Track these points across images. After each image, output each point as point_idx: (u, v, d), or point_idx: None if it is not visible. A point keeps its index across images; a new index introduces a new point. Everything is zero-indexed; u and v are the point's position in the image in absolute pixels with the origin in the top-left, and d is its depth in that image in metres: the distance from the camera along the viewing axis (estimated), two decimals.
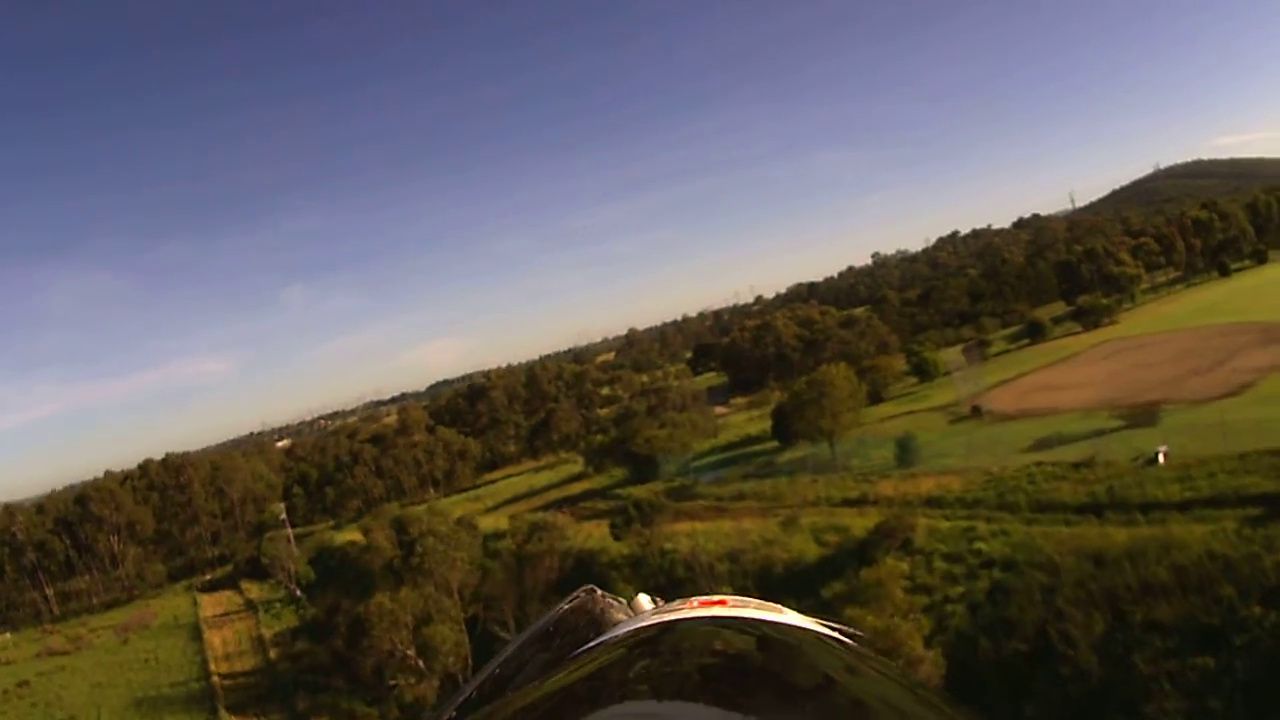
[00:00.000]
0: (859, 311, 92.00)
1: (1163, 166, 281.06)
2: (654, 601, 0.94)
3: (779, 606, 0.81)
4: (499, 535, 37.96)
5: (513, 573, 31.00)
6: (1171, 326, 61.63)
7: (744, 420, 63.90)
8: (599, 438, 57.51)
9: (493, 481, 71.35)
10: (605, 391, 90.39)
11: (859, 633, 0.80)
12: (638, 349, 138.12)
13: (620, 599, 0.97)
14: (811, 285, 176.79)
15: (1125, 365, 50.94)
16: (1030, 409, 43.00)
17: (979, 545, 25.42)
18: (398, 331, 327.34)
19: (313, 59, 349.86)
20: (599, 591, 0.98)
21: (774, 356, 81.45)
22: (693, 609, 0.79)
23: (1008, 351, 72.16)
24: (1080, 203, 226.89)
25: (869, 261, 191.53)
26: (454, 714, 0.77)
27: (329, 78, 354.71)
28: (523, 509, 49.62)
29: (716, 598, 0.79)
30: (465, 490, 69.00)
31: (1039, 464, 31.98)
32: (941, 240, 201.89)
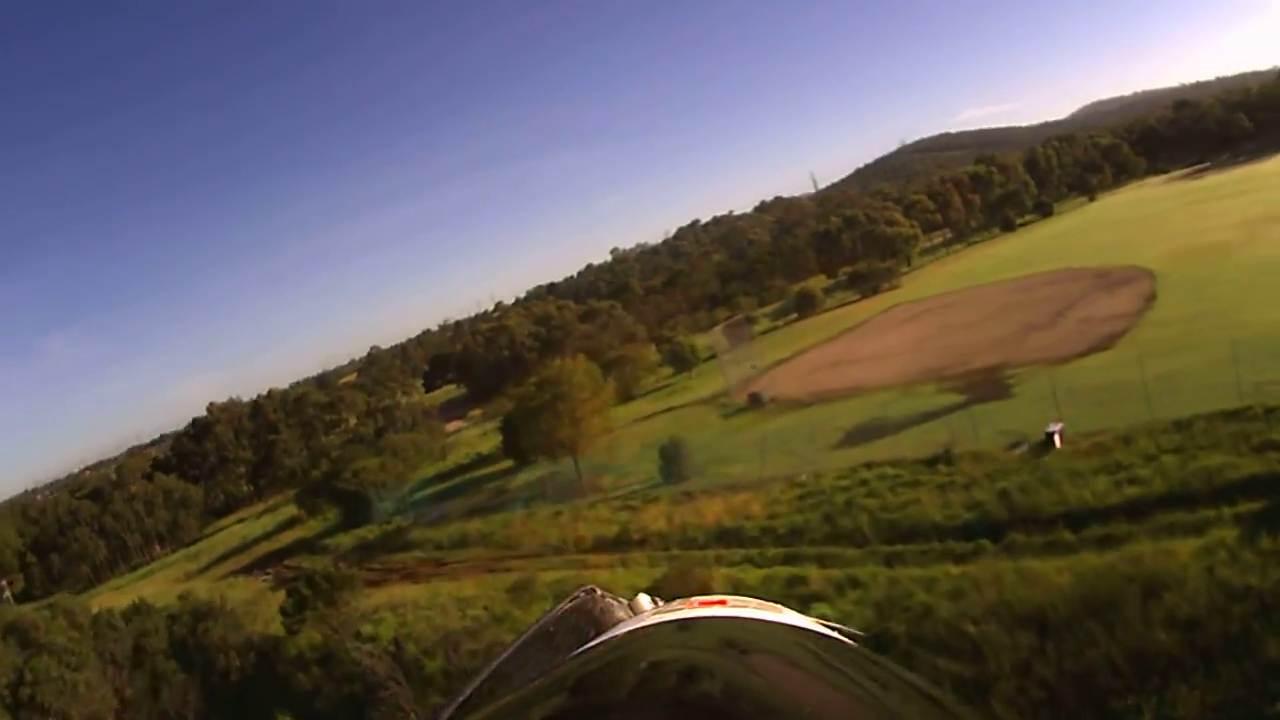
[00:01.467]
0: (600, 304, 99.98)
1: (908, 142, 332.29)
2: (654, 601, 1.08)
3: (778, 606, 0.96)
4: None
5: (170, 683, 29.03)
6: (972, 283, 64.67)
7: (477, 436, 66.55)
8: (314, 473, 60.22)
9: (223, 529, 75.50)
10: (329, 417, 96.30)
11: (859, 633, 0.92)
12: (378, 367, 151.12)
13: (621, 599, 1.09)
14: (551, 285, 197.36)
15: (933, 328, 51.59)
16: (826, 390, 42.78)
17: (821, 611, 16.75)
18: (156, 369, 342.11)
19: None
20: (599, 591, 1.10)
21: (509, 360, 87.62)
22: (693, 609, 0.93)
23: (775, 329, 75.84)
24: (823, 184, 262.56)
25: (609, 258, 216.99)
26: (454, 714, 0.88)
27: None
28: (230, 568, 53.26)
29: (716, 598, 0.94)
30: (191, 544, 73.22)
31: (869, 465, 27.86)
32: (682, 230, 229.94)
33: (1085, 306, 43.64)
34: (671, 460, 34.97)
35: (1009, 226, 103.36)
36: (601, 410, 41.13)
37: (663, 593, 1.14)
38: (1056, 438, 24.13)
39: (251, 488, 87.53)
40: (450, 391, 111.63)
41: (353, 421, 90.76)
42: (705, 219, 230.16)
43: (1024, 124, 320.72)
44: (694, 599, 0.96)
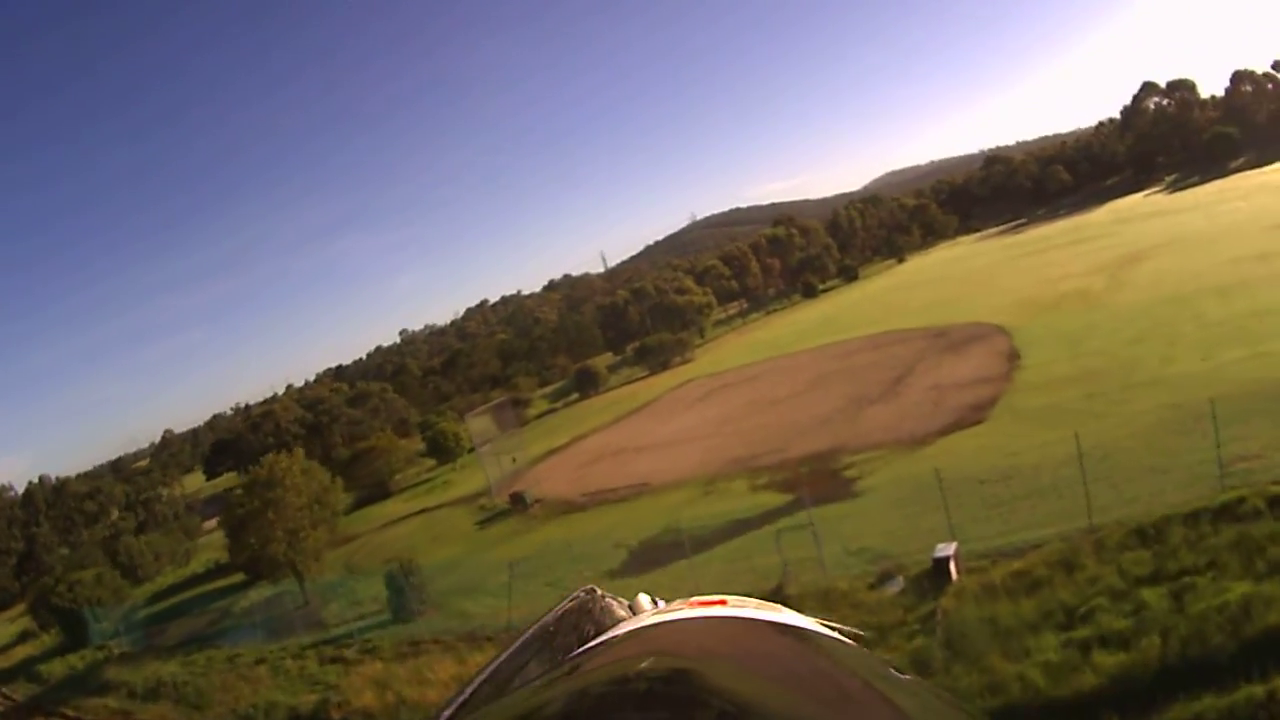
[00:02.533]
0: (371, 386, 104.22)
1: (699, 217, 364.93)
2: (654, 601, 1.21)
3: (778, 606, 1.06)
4: None
5: None
6: (778, 352, 62.68)
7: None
8: (46, 579, 58.18)
9: None
10: (89, 508, 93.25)
11: (860, 632, 1.02)
12: (168, 452, 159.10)
13: (621, 598, 1.22)
14: (339, 368, 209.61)
15: (737, 406, 47.88)
16: (605, 490, 39.22)
17: None
18: None
19: None
20: (599, 591, 1.23)
21: (274, 446, 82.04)
22: (692, 609, 1.04)
23: (553, 411, 77.34)
24: (613, 261, 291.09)
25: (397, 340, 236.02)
26: (454, 714, 0.97)
27: None
28: None
29: (716, 598, 1.05)
30: None
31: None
32: (470, 310, 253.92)
33: (928, 372, 39.90)
34: (399, 591, 31.96)
35: (811, 293, 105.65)
36: (329, 517, 39.85)
37: None
38: (951, 565, 17.30)
39: (19, 585, 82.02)
40: (233, 480, 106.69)
41: (114, 515, 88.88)
42: (495, 299, 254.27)
43: (817, 196, 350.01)
44: (693, 599, 1.06)
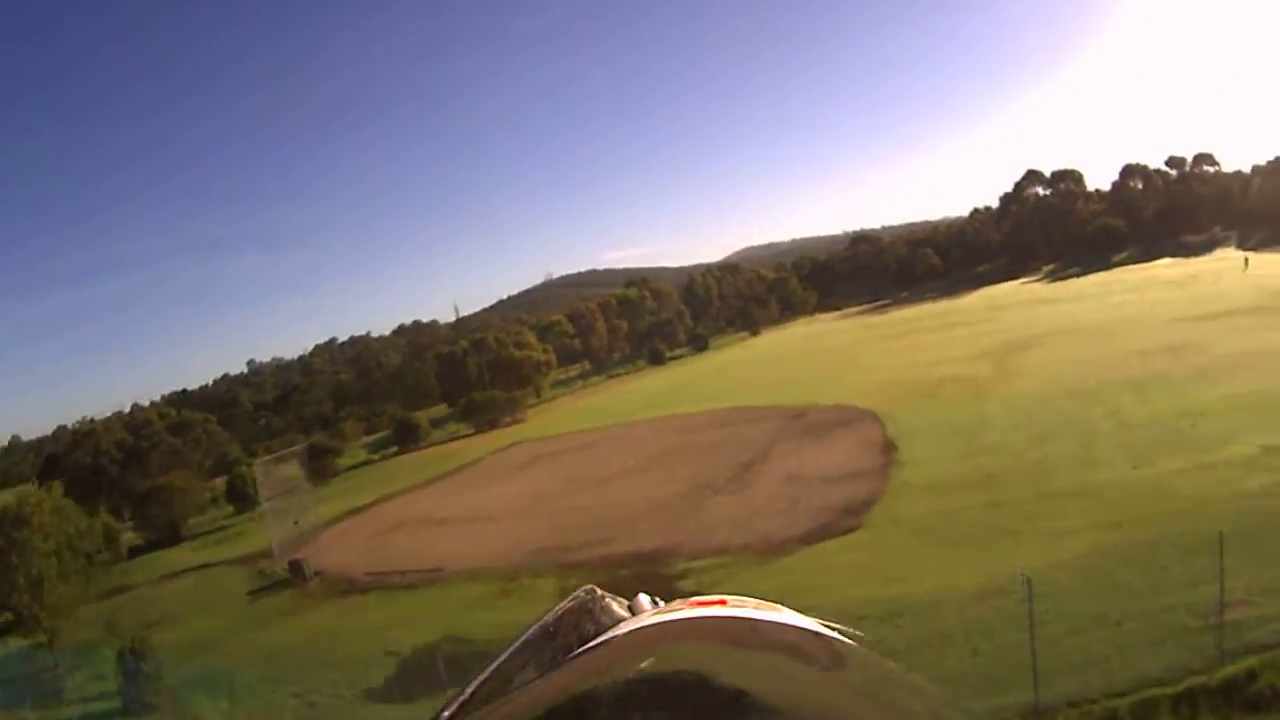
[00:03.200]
0: (195, 415, 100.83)
1: (555, 276, 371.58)
2: (654, 601, 1.25)
3: (777, 605, 1.10)
4: None
5: None
6: (615, 421, 58.53)
7: None
8: None
9: None
10: None
11: (858, 633, 1.06)
12: (10, 461, 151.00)
13: (621, 598, 1.27)
14: (184, 392, 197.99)
15: (559, 479, 43.10)
16: (393, 569, 34.96)
17: None
18: None
19: None
20: (599, 590, 1.27)
21: (90, 471, 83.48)
22: (692, 608, 1.08)
23: (369, 463, 76.07)
24: (465, 312, 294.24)
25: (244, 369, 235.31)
26: (454, 713, 1.01)
27: None
28: None
29: (716, 597, 1.08)
30: None
31: None
32: (319, 347, 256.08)
33: (785, 458, 34.84)
34: (132, 676, 28.45)
35: (659, 359, 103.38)
36: (84, 569, 36.75)
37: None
38: None
39: None
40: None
41: None
42: (344, 338, 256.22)
43: (676, 265, 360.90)
44: (693, 598, 1.09)
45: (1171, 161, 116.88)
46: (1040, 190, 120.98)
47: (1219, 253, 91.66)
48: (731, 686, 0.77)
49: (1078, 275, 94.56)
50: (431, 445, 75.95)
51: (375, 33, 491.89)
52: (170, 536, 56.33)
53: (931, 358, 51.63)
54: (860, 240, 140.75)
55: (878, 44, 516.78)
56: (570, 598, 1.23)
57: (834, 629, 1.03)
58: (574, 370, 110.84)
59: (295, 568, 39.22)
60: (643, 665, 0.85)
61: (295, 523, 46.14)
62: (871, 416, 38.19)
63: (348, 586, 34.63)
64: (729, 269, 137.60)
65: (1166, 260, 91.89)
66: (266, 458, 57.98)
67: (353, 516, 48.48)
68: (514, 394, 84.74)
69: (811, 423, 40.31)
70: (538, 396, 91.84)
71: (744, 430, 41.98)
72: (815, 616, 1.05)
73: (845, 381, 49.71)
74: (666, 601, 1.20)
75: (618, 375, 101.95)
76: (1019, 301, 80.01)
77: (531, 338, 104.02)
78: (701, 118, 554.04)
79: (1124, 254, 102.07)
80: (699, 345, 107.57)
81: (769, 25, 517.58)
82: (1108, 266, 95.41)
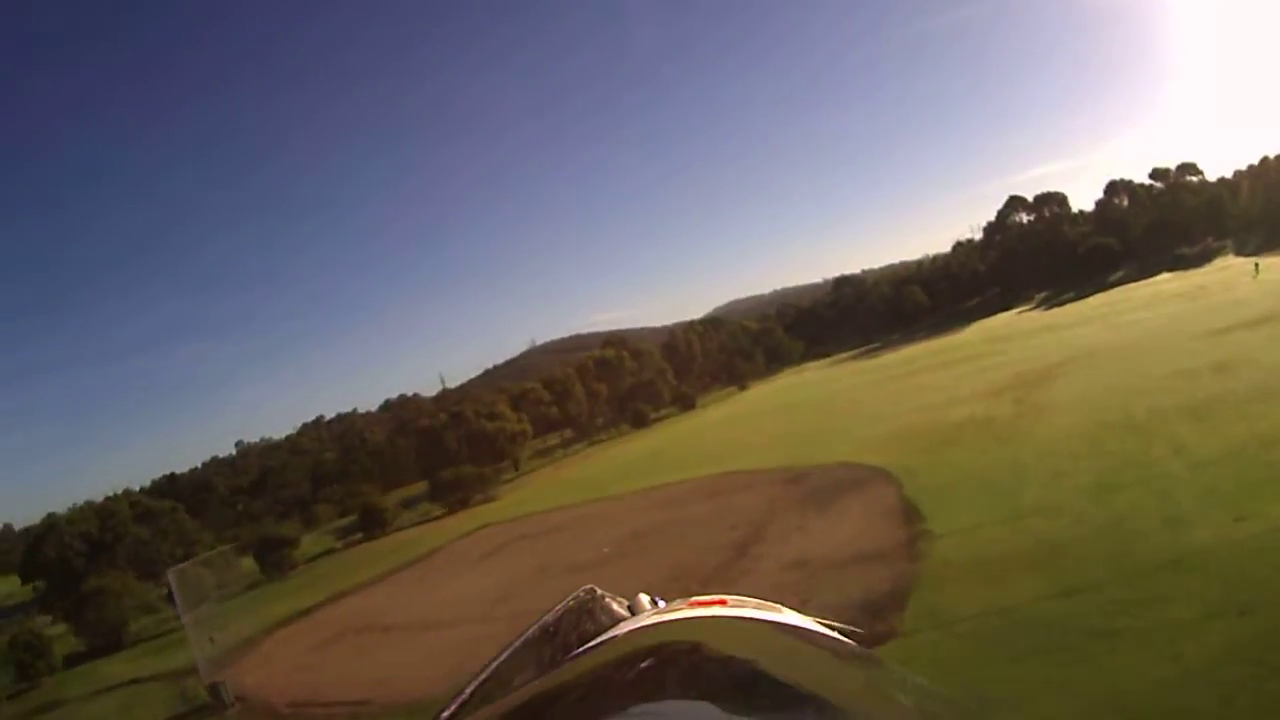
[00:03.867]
0: (161, 504, 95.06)
1: (538, 342, 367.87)
2: (653, 601, 1.28)
3: (777, 605, 1.11)
4: None
5: None
6: (594, 495, 53.14)
7: None
8: None
9: None
10: None
11: (858, 631, 1.08)
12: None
13: (621, 598, 1.31)
14: (172, 476, 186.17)
15: (528, 570, 37.35)
16: (318, 703, 29.35)
17: None
18: None
19: None
20: (599, 591, 1.33)
21: (56, 564, 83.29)
22: (692, 608, 1.08)
23: (332, 552, 72.54)
24: (451, 384, 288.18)
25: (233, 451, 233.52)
26: (455, 712, 1.01)
27: None
28: None
29: (715, 597, 1.09)
30: None
31: None
32: (306, 426, 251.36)
33: (787, 536, 28.86)
34: None
35: (642, 422, 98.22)
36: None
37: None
38: None
39: None
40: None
41: None
42: (331, 415, 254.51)
43: (659, 324, 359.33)
44: (693, 598, 1.11)
45: (1156, 174, 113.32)
46: (1024, 216, 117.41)
47: (1219, 262, 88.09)
48: (730, 686, 0.76)
49: (1074, 299, 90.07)
50: (399, 530, 72.19)
51: (359, 111, 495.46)
52: (112, 643, 52.24)
53: (940, 399, 46.22)
54: (843, 283, 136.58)
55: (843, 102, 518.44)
56: (570, 597, 1.26)
57: (834, 628, 1.00)
58: (554, 439, 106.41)
59: (214, 692, 34.17)
60: (642, 665, 0.84)
61: (211, 640, 41.10)
62: (884, 475, 32.24)
63: (267, 717, 29.69)
64: (711, 323, 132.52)
65: (1166, 275, 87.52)
66: (183, 565, 51.33)
67: (299, 620, 43.86)
68: (484, 470, 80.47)
69: (814, 487, 34.54)
70: (515, 469, 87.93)
71: (736, 500, 36.24)
72: (815, 616, 0.99)
73: (848, 434, 44.19)
74: (666, 601, 1.20)
75: (600, 441, 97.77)
76: (1021, 331, 75.06)
77: (505, 407, 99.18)
78: (683, 173, 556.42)
79: (1119, 273, 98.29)
80: (685, 404, 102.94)
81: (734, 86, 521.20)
82: (1104, 288, 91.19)
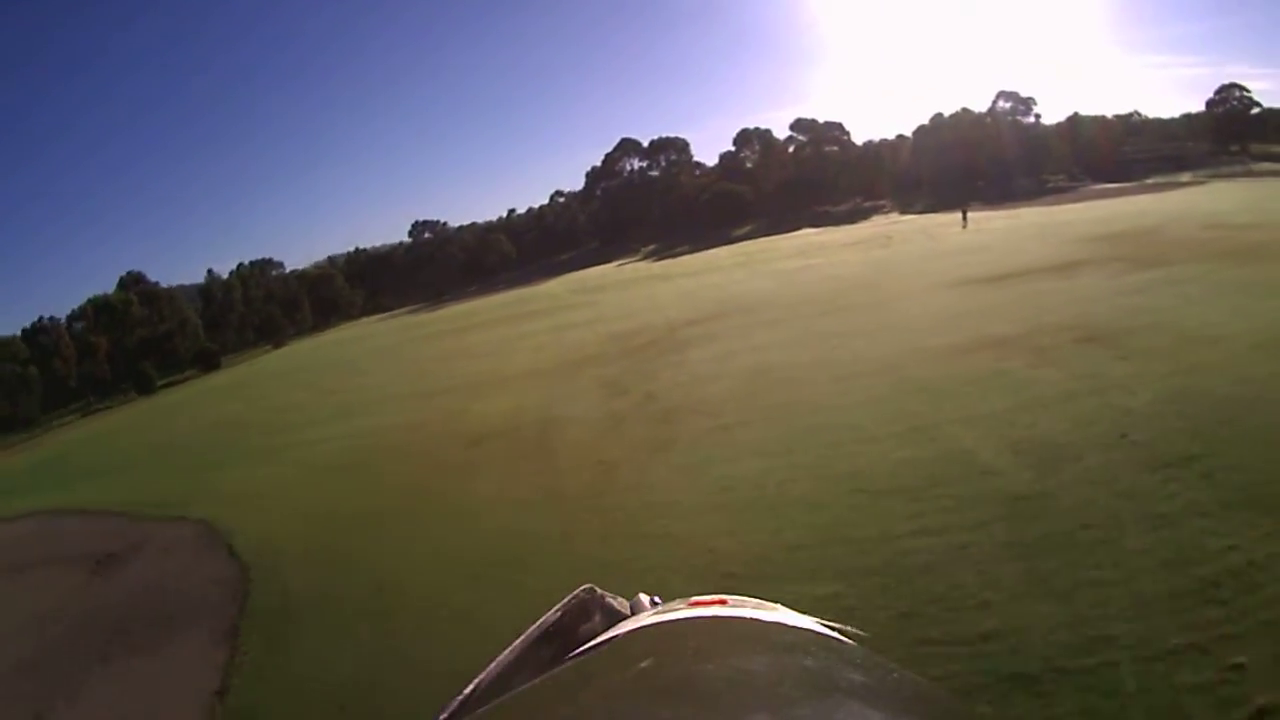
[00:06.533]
0: None
1: None
2: (653, 601, 1.27)
3: (777, 605, 1.10)
4: None
5: None
6: None
7: None
8: None
9: None
10: None
11: (859, 632, 1.05)
12: None
13: (621, 598, 1.29)
14: None
15: None
16: None
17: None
18: None
19: None
20: (598, 590, 1.29)
21: None
22: (692, 608, 1.08)
23: None
24: None
25: None
26: (454, 714, 1.02)
27: None
28: None
29: (715, 597, 1.08)
30: None
31: None
32: None
33: None
34: None
35: (146, 388, 77.74)
36: None
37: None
38: None
39: None
40: None
41: None
42: None
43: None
44: (693, 598, 1.10)
45: (800, 127, 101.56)
46: (637, 163, 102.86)
47: (879, 219, 78.36)
48: (730, 686, 0.77)
49: (688, 253, 76.29)
50: None
51: None
52: None
53: (489, 368, 28.31)
54: (422, 228, 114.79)
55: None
56: (570, 597, 1.22)
57: (834, 628, 1.02)
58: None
59: None
60: (642, 665, 0.84)
61: None
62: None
63: None
64: (260, 265, 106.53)
65: (812, 230, 75.38)
66: None
67: None
68: None
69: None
70: None
71: None
72: (814, 617, 1.05)
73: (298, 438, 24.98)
74: (666, 601, 1.19)
75: (99, 410, 74.47)
76: (624, 280, 59.12)
77: None
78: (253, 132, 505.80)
79: (747, 228, 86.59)
80: (208, 363, 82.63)
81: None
82: (729, 242, 78.46)
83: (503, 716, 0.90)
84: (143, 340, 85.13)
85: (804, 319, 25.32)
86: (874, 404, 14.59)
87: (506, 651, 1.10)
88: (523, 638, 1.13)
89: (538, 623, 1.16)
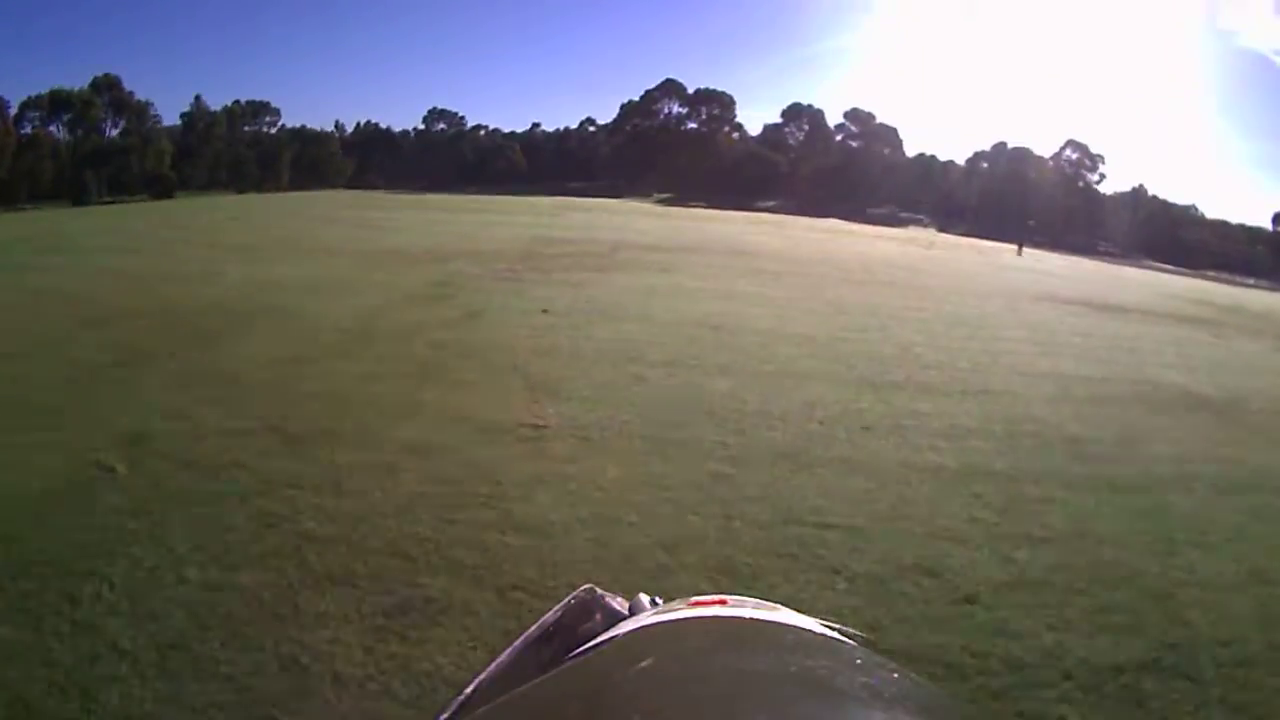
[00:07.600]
0: None
1: None
2: (654, 601, 1.25)
3: (777, 605, 1.08)
4: None
5: None
6: None
7: None
8: None
9: None
10: None
11: (859, 633, 1.03)
12: None
13: (621, 598, 1.27)
14: None
15: None
16: None
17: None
18: None
19: None
20: (599, 591, 1.27)
21: None
22: (692, 608, 1.06)
23: None
24: None
25: None
26: (454, 713, 1.02)
27: None
28: None
29: (716, 597, 1.05)
30: None
31: None
32: None
33: None
34: None
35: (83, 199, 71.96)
36: None
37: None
38: None
39: None
40: None
41: None
42: None
43: None
44: (693, 598, 1.08)
45: (855, 117, 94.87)
46: (676, 107, 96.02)
47: (914, 230, 73.01)
48: (730, 686, 0.77)
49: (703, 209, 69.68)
50: None
51: None
52: None
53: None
54: (437, 116, 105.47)
55: None
56: (570, 597, 1.21)
57: (834, 629, 1.01)
58: None
59: None
60: (642, 665, 0.84)
61: None
62: None
63: None
64: (255, 106, 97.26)
65: (838, 222, 68.44)
66: None
67: None
68: None
69: None
70: None
71: None
72: (815, 617, 1.02)
73: None
74: (666, 601, 1.17)
75: None
76: (616, 210, 52.97)
77: None
78: None
79: (773, 202, 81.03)
80: (160, 191, 75.81)
81: None
82: (750, 210, 72.19)
83: (503, 716, 0.88)
84: (96, 149, 78.91)
85: (817, 278, 21.70)
86: None
87: (506, 651, 1.10)
88: (523, 638, 1.12)
89: (538, 623, 1.15)
